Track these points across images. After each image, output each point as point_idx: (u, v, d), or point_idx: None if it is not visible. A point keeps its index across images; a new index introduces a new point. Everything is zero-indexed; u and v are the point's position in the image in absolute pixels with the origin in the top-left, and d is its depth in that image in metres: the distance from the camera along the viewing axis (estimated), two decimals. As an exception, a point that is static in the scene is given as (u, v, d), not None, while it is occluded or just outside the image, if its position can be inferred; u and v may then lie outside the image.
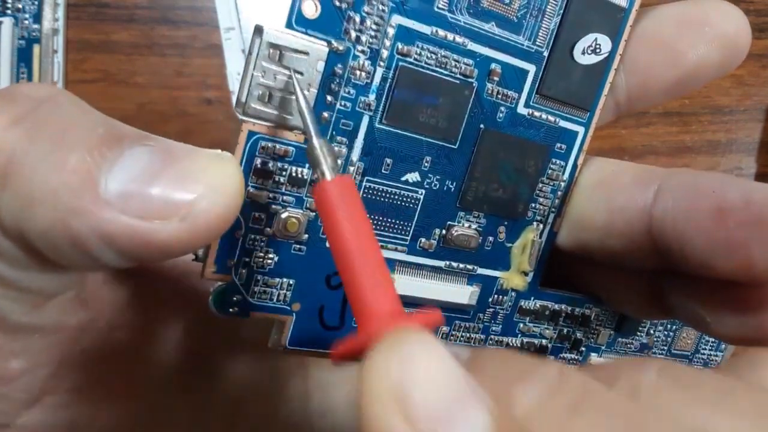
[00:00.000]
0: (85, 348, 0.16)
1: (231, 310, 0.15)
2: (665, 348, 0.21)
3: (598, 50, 0.16)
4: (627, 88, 0.17)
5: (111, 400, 0.16)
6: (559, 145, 0.17)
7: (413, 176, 0.16)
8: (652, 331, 0.20)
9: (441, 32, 0.15)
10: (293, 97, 0.14)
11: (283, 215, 0.15)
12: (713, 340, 0.21)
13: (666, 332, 0.21)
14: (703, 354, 0.21)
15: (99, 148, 0.12)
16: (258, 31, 0.13)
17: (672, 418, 0.10)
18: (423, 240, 0.16)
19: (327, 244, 0.15)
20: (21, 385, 0.15)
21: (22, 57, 0.33)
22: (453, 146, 0.16)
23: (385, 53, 0.15)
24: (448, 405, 0.10)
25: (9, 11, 0.33)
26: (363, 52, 0.14)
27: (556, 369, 0.11)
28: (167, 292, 0.18)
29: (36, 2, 0.33)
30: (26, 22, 0.33)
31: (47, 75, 0.33)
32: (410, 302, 0.17)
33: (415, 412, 0.09)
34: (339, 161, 0.15)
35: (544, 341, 0.19)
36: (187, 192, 0.12)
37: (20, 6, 0.33)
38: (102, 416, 0.16)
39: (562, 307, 0.19)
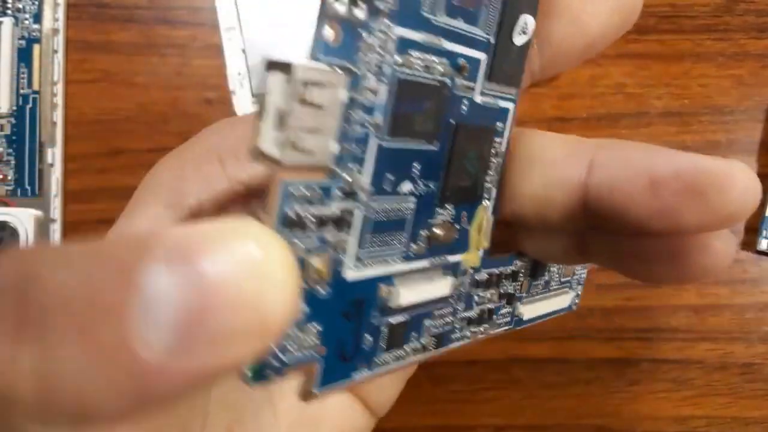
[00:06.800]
0: None
1: (268, 376, 0.14)
2: (558, 279, 0.23)
3: (525, 30, 0.16)
4: (541, 60, 0.17)
5: None
6: (498, 124, 0.17)
7: (407, 186, 0.16)
8: (552, 269, 0.22)
9: (427, 36, 0.15)
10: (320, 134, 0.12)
11: (315, 263, 0.14)
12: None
13: (558, 267, 0.22)
14: (577, 274, 0.23)
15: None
16: (283, 68, 0.12)
17: None
18: (413, 245, 0.16)
19: (347, 277, 0.15)
20: None
21: (22, 57, 0.33)
22: (435, 148, 0.16)
23: (387, 68, 0.14)
24: None
25: (9, 11, 0.33)
26: (371, 71, 0.14)
27: None
28: None
29: (36, 2, 0.33)
30: (26, 22, 0.33)
31: (47, 75, 0.33)
32: (412, 310, 0.17)
33: None
34: (349, 187, 0.14)
35: (491, 305, 0.19)
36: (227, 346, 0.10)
37: (20, 6, 0.33)
38: None
39: (500, 270, 0.19)
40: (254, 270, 0.10)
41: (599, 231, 0.17)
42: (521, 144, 0.18)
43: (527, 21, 0.16)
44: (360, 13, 0.13)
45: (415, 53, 0.15)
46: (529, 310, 0.20)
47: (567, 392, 0.33)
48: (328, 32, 0.12)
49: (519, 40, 0.17)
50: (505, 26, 0.16)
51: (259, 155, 0.12)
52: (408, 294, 0.16)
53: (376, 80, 0.14)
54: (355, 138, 0.14)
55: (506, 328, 0.20)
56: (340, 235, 0.14)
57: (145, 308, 0.09)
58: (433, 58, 0.15)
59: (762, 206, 0.33)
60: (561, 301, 0.23)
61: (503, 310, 0.20)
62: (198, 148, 0.16)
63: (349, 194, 0.14)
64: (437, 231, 0.17)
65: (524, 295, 0.21)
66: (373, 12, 0.13)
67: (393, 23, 0.14)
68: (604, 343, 0.33)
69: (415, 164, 0.16)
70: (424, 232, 0.17)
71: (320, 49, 0.12)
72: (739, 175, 0.14)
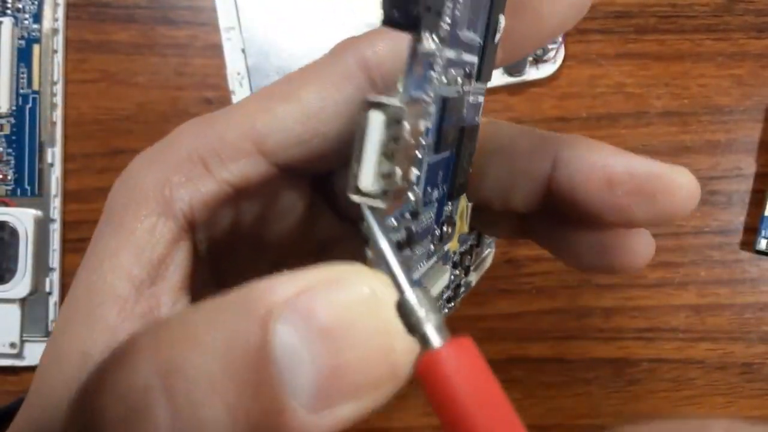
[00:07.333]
0: None
1: None
2: (486, 243, 0.24)
3: (499, 29, 0.17)
4: (503, 54, 0.18)
5: None
6: (477, 119, 0.18)
7: (435, 194, 0.16)
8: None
9: (457, 52, 0.15)
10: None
11: None
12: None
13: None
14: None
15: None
16: (385, 107, 0.12)
17: None
18: (431, 246, 0.17)
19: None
20: None
21: (22, 57, 0.33)
22: (449, 153, 0.16)
23: (437, 90, 0.14)
24: None
25: (9, 11, 0.33)
26: (431, 96, 0.14)
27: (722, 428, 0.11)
28: None
29: (36, 2, 0.33)
30: (26, 22, 0.33)
31: (47, 75, 0.33)
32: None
33: None
34: (408, 212, 0.14)
35: (458, 281, 0.21)
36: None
37: (20, 6, 0.33)
38: None
39: (464, 247, 0.20)
40: (379, 318, 0.10)
41: (552, 218, 0.19)
42: (490, 135, 0.19)
43: (500, 20, 0.17)
44: (433, 44, 0.13)
45: (451, 70, 0.15)
46: (474, 276, 0.22)
47: (567, 392, 0.33)
48: (418, 68, 0.13)
49: (496, 38, 0.17)
50: (491, 28, 0.17)
51: (357, 193, 0.12)
52: (435, 292, 0.17)
53: (432, 104, 0.14)
54: (419, 160, 0.14)
55: (462, 297, 0.22)
56: (406, 254, 0.15)
57: (283, 374, 0.09)
58: (457, 70, 0.15)
59: (762, 206, 0.33)
60: (488, 260, 0.24)
61: (462, 281, 0.21)
62: (178, 151, 0.15)
63: (413, 214, 0.15)
64: (448, 228, 0.17)
65: (472, 265, 0.22)
66: (441, 41, 0.14)
67: (445, 47, 0.14)
68: (604, 343, 0.33)
69: (440, 173, 0.16)
70: (437, 232, 0.17)
71: (413, 85, 0.13)
72: (684, 180, 0.16)
